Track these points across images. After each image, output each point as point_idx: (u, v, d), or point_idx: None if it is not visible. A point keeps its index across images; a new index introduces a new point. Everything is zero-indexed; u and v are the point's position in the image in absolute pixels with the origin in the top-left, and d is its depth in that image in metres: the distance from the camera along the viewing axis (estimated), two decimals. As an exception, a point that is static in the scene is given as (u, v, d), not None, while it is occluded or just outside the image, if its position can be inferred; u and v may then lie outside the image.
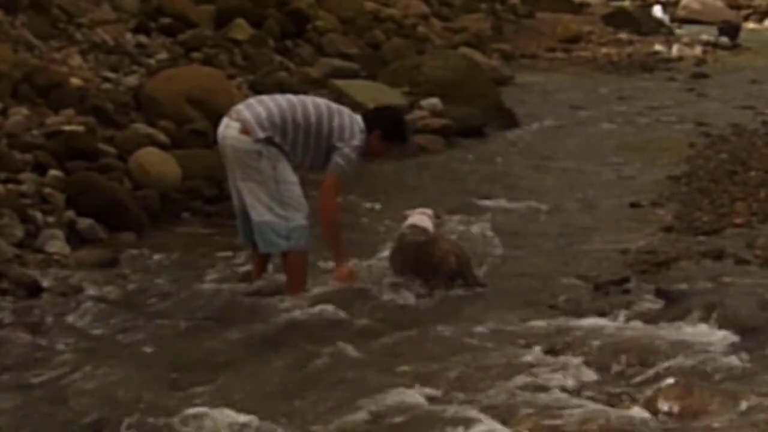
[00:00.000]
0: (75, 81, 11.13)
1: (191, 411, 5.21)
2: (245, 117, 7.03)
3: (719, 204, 9.64)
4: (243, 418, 5.12)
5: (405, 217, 7.56)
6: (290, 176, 7.05)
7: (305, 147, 7.10)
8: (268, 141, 6.97)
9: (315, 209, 7.20)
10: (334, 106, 7.35)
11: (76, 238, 8.40)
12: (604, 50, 23.77)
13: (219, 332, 6.62)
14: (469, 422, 5.00)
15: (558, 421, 4.93)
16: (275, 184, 6.98)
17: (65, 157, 9.37)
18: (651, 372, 5.61)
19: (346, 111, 7.32)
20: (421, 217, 7.46)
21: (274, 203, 6.97)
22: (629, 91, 18.33)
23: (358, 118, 7.31)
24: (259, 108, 7.09)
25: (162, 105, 11.17)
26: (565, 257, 8.25)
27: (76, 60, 12.00)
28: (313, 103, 7.28)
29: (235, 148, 7.02)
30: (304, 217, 7.07)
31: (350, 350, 6.14)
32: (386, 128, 7.37)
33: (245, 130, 6.98)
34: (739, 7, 30.83)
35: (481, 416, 5.05)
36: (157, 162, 9.70)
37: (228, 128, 7.08)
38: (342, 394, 5.43)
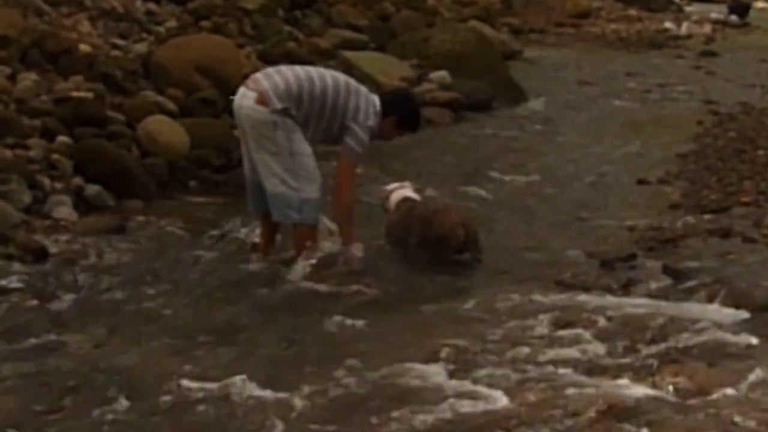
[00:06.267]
0: (84, 47, 11.11)
1: (196, 378, 5.23)
2: (263, 87, 6.95)
3: (727, 182, 9.62)
4: (249, 386, 5.13)
5: (386, 192, 7.53)
6: (305, 148, 6.99)
7: (318, 121, 7.02)
8: (285, 112, 6.91)
9: (331, 191, 7.16)
10: (353, 84, 7.23)
11: (83, 204, 8.42)
12: (613, 26, 23.77)
13: (225, 301, 6.64)
14: (473, 397, 5.01)
15: (563, 397, 4.93)
16: (290, 156, 6.91)
17: (74, 124, 9.38)
18: (657, 349, 5.60)
19: (363, 91, 7.22)
20: (406, 190, 7.44)
21: (287, 175, 6.91)
22: (638, 67, 18.30)
23: (375, 99, 7.23)
24: (276, 78, 7.00)
25: (171, 73, 11.16)
26: (572, 233, 8.24)
27: (86, 26, 11.97)
28: (333, 77, 7.17)
29: (251, 118, 6.95)
30: (318, 189, 7.04)
31: (356, 323, 6.16)
32: (403, 116, 7.30)
33: (261, 101, 6.91)
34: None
35: (486, 391, 5.06)
36: (166, 130, 9.70)
37: (244, 98, 7.00)
38: (347, 365, 5.44)
